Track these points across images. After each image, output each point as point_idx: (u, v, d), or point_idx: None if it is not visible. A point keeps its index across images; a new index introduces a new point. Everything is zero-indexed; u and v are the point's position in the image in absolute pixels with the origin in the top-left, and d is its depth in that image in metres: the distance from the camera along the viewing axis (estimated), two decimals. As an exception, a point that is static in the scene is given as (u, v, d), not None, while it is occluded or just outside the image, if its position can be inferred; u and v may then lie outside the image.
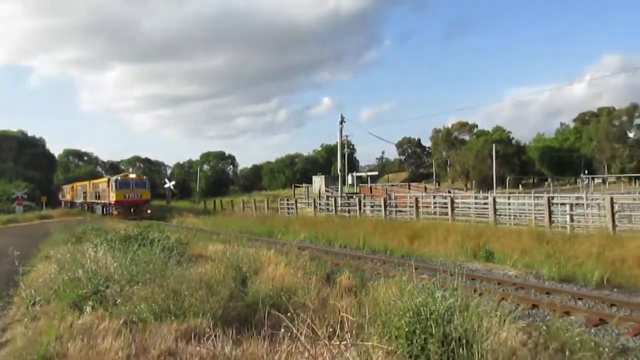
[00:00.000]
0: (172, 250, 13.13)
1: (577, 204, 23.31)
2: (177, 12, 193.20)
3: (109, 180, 53.99)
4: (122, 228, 21.58)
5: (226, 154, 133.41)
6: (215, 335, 6.19)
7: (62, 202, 74.44)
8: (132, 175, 56.16)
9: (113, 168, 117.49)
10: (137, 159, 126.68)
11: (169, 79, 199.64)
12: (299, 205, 43.93)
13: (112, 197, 50.83)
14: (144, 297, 8.36)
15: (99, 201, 56.46)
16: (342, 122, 47.42)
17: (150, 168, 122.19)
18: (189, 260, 13.01)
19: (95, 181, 62.77)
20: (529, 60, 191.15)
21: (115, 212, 49.01)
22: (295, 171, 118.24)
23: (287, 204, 46.16)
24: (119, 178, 52.90)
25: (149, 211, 50.96)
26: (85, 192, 63.45)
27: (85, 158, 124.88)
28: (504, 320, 6.68)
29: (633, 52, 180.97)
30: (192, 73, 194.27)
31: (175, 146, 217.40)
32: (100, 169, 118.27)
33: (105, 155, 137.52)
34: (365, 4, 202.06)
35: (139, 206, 50.49)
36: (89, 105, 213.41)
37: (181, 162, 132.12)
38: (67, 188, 77.19)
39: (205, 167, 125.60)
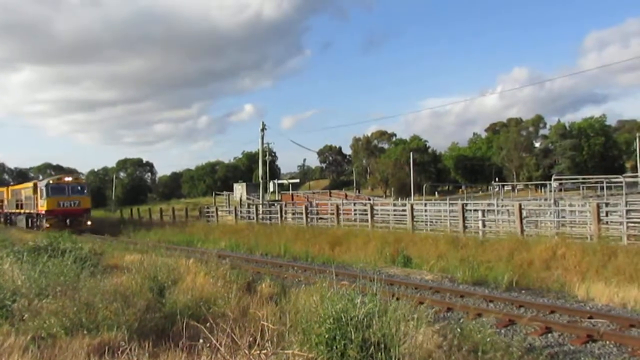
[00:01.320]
0: (86, 261, 12.65)
1: (488, 210, 24.33)
2: (92, 13, 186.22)
3: (35, 185, 44.37)
4: (30, 239, 20.49)
5: (144, 161, 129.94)
6: (130, 349, 5.99)
7: None
8: (68, 178, 44.57)
9: (22, 176, 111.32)
10: (48, 166, 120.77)
11: (84, 83, 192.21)
12: (219, 213, 43.28)
13: (42, 206, 41.10)
14: (54, 311, 7.98)
15: (21, 211, 47.29)
16: (263, 129, 47.28)
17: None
18: (103, 271, 12.59)
19: (15, 187, 53.69)
20: (446, 71, 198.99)
21: (46, 225, 39.36)
22: (216, 179, 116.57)
23: (208, 212, 45.37)
24: (50, 182, 42.45)
25: (89, 222, 41.40)
26: (2, 201, 55.51)
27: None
28: (421, 324, 6.85)
29: (539, 66, 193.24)
30: (109, 77, 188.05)
31: (90, 153, 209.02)
32: (7, 177, 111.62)
33: (13, 162, 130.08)
34: (287, 12, 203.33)
35: (77, 216, 40.58)
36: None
37: (96, 170, 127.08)
38: None
39: (122, 174, 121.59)
